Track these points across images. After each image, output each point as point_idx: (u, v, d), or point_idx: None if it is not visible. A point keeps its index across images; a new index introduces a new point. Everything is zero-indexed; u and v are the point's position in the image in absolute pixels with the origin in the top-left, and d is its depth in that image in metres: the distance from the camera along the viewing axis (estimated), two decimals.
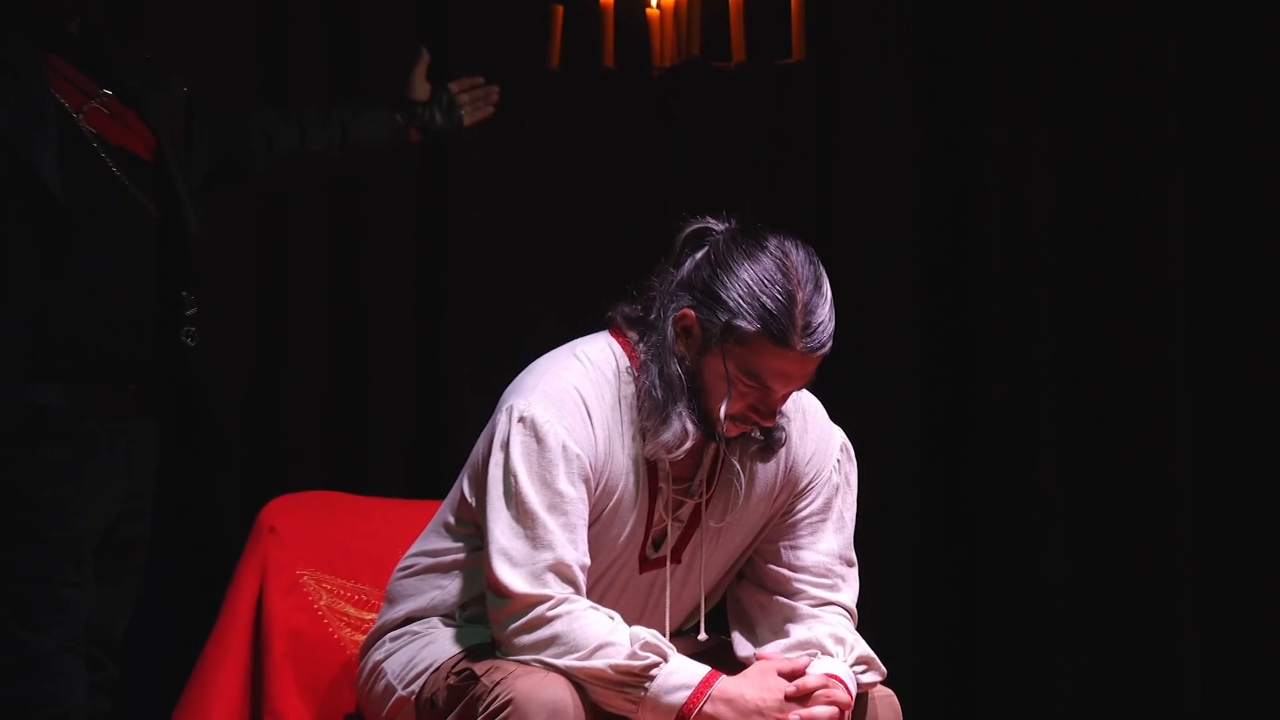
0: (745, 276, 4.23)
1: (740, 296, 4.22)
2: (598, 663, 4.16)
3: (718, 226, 4.33)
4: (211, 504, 5.26)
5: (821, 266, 4.23)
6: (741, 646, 4.47)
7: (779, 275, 4.21)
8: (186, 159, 4.79)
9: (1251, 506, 6.40)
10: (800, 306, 4.18)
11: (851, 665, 4.35)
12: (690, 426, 4.26)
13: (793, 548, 4.48)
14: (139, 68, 4.85)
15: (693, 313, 4.25)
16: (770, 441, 4.34)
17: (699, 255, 4.30)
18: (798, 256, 4.24)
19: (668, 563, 4.43)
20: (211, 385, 4.96)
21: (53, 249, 4.52)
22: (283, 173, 5.03)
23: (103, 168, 4.57)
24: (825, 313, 4.21)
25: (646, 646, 4.17)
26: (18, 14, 4.66)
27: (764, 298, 4.19)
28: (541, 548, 4.22)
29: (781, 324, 4.17)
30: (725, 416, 4.26)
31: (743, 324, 4.19)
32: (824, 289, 4.21)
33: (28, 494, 4.57)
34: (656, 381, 4.30)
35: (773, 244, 4.25)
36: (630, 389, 4.32)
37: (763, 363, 4.21)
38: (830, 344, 4.24)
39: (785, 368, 4.20)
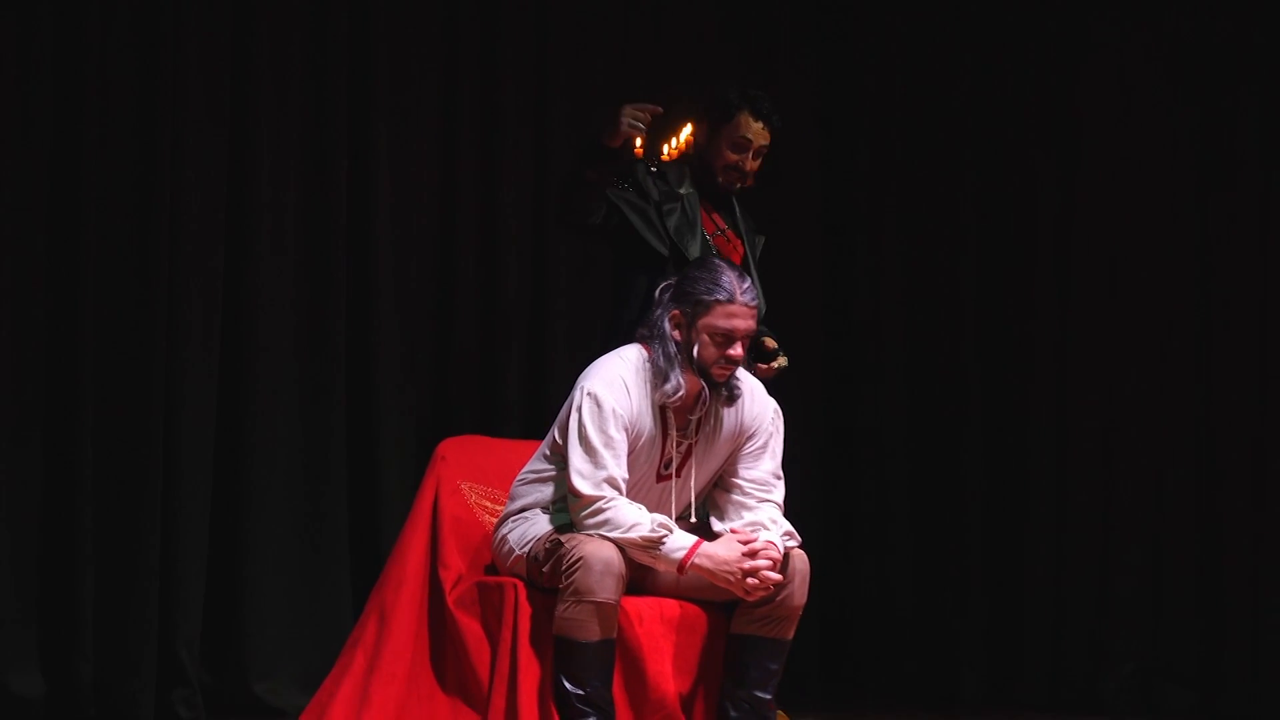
0: (701, 278, 4.47)
1: (702, 289, 4.33)
2: (632, 535, 4.27)
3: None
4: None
5: (745, 275, 4.55)
6: (716, 525, 4.47)
7: (720, 273, 4.49)
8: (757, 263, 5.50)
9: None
10: (735, 283, 4.45)
11: (781, 535, 4.29)
12: (681, 381, 4.27)
13: (745, 468, 4.63)
14: (738, 213, 5.40)
15: (677, 310, 4.23)
16: (732, 395, 4.40)
17: (674, 283, 4.31)
18: (729, 267, 4.38)
19: (673, 477, 4.45)
20: None
21: None
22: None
23: None
24: (752, 288, 4.61)
25: (660, 525, 4.33)
26: (700, 184, 5.24)
27: (714, 284, 4.36)
28: (600, 468, 4.32)
29: (728, 291, 4.30)
30: (710, 362, 4.46)
31: (706, 297, 4.21)
32: (747, 280, 4.46)
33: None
34: (660, 359, 4.41)
35: (712, 262, 4.36)
36: (649, 372, 4.30)
37: (722, 320, 4.18)
38: (760, 305, 4.63)
39: (736, 315, 4.22)
